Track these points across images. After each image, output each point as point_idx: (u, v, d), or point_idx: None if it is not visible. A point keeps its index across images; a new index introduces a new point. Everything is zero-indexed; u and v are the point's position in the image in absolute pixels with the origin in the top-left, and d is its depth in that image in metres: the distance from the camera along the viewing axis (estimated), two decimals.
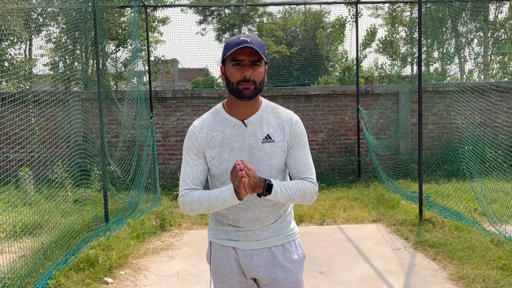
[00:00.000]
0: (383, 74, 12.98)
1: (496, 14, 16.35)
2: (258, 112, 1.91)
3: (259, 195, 1.81)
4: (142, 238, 5.47)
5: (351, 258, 4.69)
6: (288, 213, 2.00)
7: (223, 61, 1.85)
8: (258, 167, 1.86)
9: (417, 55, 5.90)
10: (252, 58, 1.78)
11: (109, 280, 4.14)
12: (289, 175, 2.01)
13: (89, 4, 6.01)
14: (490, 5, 14.30)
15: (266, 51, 1.94)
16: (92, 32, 5.84)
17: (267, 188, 1.78)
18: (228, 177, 1.85)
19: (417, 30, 5.93)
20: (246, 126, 1.88)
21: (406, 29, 14.56)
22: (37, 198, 5.75)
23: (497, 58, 14.96)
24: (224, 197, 1.79)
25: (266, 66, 1.88)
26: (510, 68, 13.96)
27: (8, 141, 6.16)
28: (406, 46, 13.99)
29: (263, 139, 1.87)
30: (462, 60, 14.74)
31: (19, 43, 11.25)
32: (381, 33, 21.76)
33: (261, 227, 1.91)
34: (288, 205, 1.99)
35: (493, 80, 12.99)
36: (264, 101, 1.95)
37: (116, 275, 4.30)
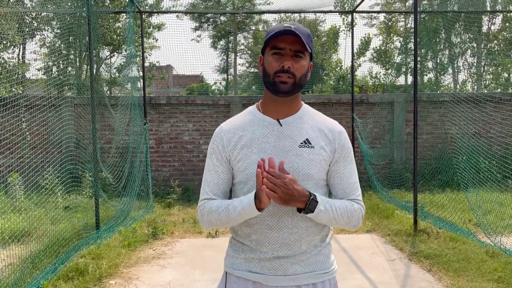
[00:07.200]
0: (377, 83, 13.03)
1: (489, 26, 16.53)
2: (298, 113, 1.65)
3: (299, 210, 1.53)
4: (133, 247, 5.38)
5: (345, 268, 4.63)
6: (326, 244, 1.67)
7: (263, 51, 1.62)
8: (292, 175, 1.54)
9: (411, 65, 5.90)
10: (295, 48, 1.54)
11: None
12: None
13: (84, 9, 5.97)
14: (483, 17, 14.45)
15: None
16: (87, 37, 5.79)
17: (310, 204, 1.48)
18: (254, 185, 1.54)
19: (411, 40, 5.94)
20: (281, 125, 1.62)
21: (400, 39, 14.66)
22: (26, 205, 5.65)
23: (490, 69, 15.10)
24: (243, 206, 1.51)
25: (311, 62, 1.65)
26: (503, 79, 14.08)
27: None
28: (401, 56, 14.07)
29: (301, 143, 1.59)
30: (456, 70, 14.84)
31: (12, 47, 11.16)
32: (376, 42, 21.91)
33: (290, 255, 1.57)
34: (328, 232, 1.69)
35: (485, 91, 13.08)
36: (306, 105, 1.71)
37: (106, 285, 4.21)
